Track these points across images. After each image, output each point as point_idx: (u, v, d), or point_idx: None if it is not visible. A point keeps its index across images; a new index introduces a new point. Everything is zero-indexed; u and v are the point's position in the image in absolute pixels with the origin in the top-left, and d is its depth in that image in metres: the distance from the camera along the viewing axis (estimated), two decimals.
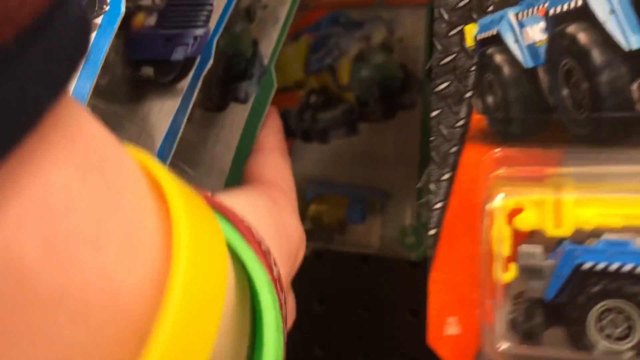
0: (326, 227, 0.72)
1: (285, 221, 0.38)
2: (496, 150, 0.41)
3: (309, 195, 0.72)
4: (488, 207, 0.38)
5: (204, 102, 0.51)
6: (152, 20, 0.44)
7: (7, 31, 0.15)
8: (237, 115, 0.48)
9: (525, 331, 0.35)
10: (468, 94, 0.42)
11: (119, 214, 0.18)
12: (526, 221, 0.38)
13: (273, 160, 0.45)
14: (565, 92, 0.40)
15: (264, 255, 0.29)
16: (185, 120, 0.41)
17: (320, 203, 0.72)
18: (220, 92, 0.51)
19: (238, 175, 0.47)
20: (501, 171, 0.39)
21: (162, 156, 0.40)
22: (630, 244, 0.34)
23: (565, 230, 0.37)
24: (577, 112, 0.40)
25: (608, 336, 0.34)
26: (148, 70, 0.43)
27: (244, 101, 0.48)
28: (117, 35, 0.41)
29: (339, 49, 0.75)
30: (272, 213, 0.37)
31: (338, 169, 0.75)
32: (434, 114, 0.42)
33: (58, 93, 0.16)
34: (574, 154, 0.40)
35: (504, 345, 0.37)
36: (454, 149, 0.42)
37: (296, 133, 0.77)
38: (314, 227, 0.71)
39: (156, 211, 0.20)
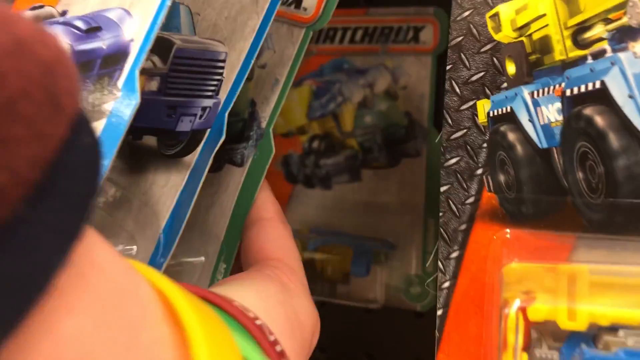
0: (329, 279, 0.70)
1: (297, 308, 0.36)
2: (507, 230, 0.40)
3: (312, 245, 0.71)
4: (506, 311, 0.37)
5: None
6: (153, 85, 0.42)
7: (15, 194, 0.14)
8: (232, 178, 0.46)
9: None
10: (479, 171, 0.41)
11: (136, 353, 0.17)
12: (539, 312, 0.37)
13: (275, 231, 0.42)
14: (580, 175, 0.39)
15: (279, 357, 0.28)
16: (195, 197, 0.40)
17: (323, 253, 0.71)
18: (216, 152, 0.50)
19: (233, 242, 0.45)
20: (514, 264, 0.38)
21: (168, 234, 0.38)
22: None
23: (579, 324, 0.36)
24: (592, 196, 0.38)
25: None
26: (150, 140, 0.42)
27: (240, 164, 0.46)
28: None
29: (343, 96, 0.75)
30: (283, 304, 0.35)
31: (340, 216, 0.74)
32: (443, 188, 0.41)
33: (70, 247, 0.15)
34: (587, 240, 0.38)
35: None
36: (463, 227, 0.41)
37: (298, 178, 0.76)
38: (317, 279, 0.70)
39: (173, 341, 0.19)
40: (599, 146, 0.37)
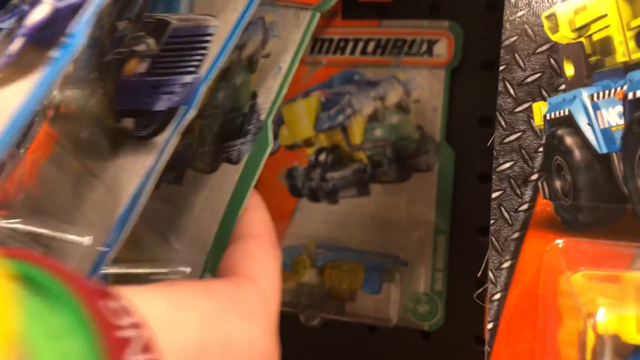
0: (337, 296, 0.68)
1: (236, 335, 0.30)
2: (563, 240, 0.38)
3: (321, 260, 0.68)
4: (565, 324, 0.35)
5: (196, 162, 0.46)
6: (143, 66, 0.39)
7: None
8: (226, 178, 0.42)
9: None
10: (534, 177, 0.39)
11: None
12: (603, 325, 0.35)
13: (259, 251, 0.37)
14: None
15: (121, 345, 0.22)
16: (153, 181, 0.35)
17: (333, 269, 0.68)
18: (214, 151, 0.46)
19: (220, 250, 0.40)
20: (570, 274, 0.36)
21: (122, 221, 0.34)
22: None
23: None
24: None
25: None
26: (128, 122, 0.39)
27: (236, 162, 0.43)
28: (106, 86, 0.37)
29: (352, 108, 0.73)
30: (209, 324, 0.28)
31: (347, 232, 0.71)
32: (495, 194, 0.39)
33: None
34: None
35: None
36: (516, 235, 0.39)
37: (303, 192, 0.73)
38: (325, 296, 0.67)
39: None
40: None
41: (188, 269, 0.42)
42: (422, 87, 0.71)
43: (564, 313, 0.36)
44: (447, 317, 0.66)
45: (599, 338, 0.34)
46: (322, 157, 0.74)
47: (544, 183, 0.38)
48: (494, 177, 0.39)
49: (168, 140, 0.36)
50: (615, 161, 0.37)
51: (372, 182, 0.71)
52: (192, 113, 0.37)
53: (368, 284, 0.67)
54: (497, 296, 0.39)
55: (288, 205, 0.73)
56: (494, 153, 0.39)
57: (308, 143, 0.74)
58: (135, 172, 0.36)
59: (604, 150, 0.38)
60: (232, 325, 0.30)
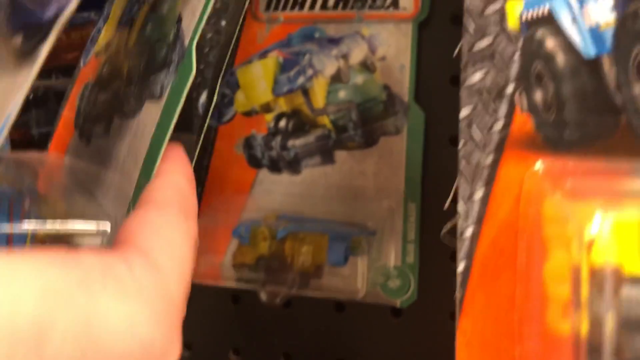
0: (301, 270, 0.62)
1: (103, 317, 0.23)
2: (546, 161, 0.32)
3: (281, 233, 0.62)
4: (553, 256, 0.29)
5: (122, 106, 0.40)
6: None
7: None
8: (149, 117, 0.36)
9: None
10: (510, 88, 0.32)
11: None
12: (601, 254, 0.28)
13: (161, 220, 0.30)
14: (637, 89, 0.31)
15: None
16: (22, 97, 0.30)
17: (295, 242, 0.62)
18: (138, 89, 0.40)
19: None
20: (557, 199, 0.30)
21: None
22: None
23: None
24: None
25: None
26: (17, 39, 0.32)
27: (158, 96, 0.37)
28: None
29: (314, 68, 0.67)
30: (59, 296, 0.22)
31: (312, 204, 0.65)
32: (463, 113, 0.33)
33: None
34: None
35: None
36: (489, 159, 0.33)
37: (262, 162, 0.67)
38: (287, 271, 0.61)
39: None
40: None
41: (107, 225, 0.35)
42: (388, 43, 0.65)
43: (550, 244, 0.30)
44: (420, 293, 0.60)
45: (596, 269, 0.28)
46: (283, 123, 0.68)
47: (522, 95, 0.32)
48: (462, 91, 0.33)
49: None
50: (606, 65, 0.31)
51: (337, 148, 0.66)
52: (70, 7, 0.31)
53: (333, 256, 0.61)
54: (469, 232, 0.32)
55: (247, 177, 0.67)
56: (461, 64, 0.33)
57: (266, 108, 0.68)
58: (9, 91, 0.30)
59: (592, 52, 0.32)
60: (97, 303, 0.23)
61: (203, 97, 0.47)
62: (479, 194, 0.32)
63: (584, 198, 0.29)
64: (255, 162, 0.68)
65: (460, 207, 0.33)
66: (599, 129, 0.31)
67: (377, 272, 0.61)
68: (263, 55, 0.68)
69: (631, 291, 0.27)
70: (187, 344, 0.69)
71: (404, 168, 0.63)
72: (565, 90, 0.32)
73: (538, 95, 0.32)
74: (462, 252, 0.32)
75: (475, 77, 0.33)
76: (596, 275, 0.27)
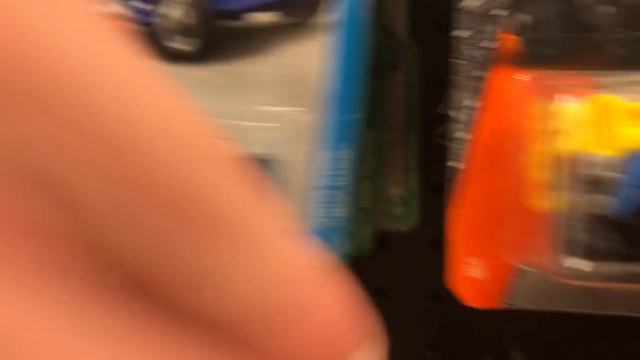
0: None
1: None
2: (529, 74, 0.37)
3: None
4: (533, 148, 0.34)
5: None
6: None
7: None
8: None
9: (586, 249, 0.31)
10: (499, 12, 0.37)
11: None
12: (570, 143, 0.34)
13: None
14: (606, 8, 0.36)
15: None
16: None
17: None
18: None
19: None
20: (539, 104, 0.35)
21: None
22: None
23: (615, 150, 0.33)
24: (619, 31, 0.36)
25: None
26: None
27: None
28: None
29: None
30: None
31: None
32: (457, 33, 0.38)
33: None
34: (614, 77, 0.36)
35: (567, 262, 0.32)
36: (478, 73, 0.38)
37: None
38: None
39: None
40: None
41: None
42: None
43: (532, 138, 0.35)
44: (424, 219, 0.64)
45: (568, 154, 0.33)
46: None
47: (509, 18, 0.37)
48: (456, 14, 0.38)
49: None
50: None
51: None
52: None
53: None
54: (460, 134, 0.37)
55: None
56: None
57: None
58: None
59: None
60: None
61: None
62: (469, 102, 0.37)
63: (559, 98, 0.35)
64: None
65: (452, 113, 0.38)
66: (574, 45, 0.37)
67: (382, 200, 0.65)
68: None
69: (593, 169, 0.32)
70: None
71: (403, 103, 0.67)
72: (547, 12, 0.37)
73: (523, 17, 0.37)
74: (454, 152, 0.37)
75: (469, 1, 0.38)
76: (567, 160, 0.33)
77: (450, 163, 0.38)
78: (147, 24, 0.46)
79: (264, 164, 0.42)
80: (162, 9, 0.46)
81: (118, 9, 0.46)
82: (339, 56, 0.41)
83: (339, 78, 0.42)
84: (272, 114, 0.43)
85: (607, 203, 0.31)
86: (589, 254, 0.31)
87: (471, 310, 0.61)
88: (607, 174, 0.31)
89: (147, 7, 0.46)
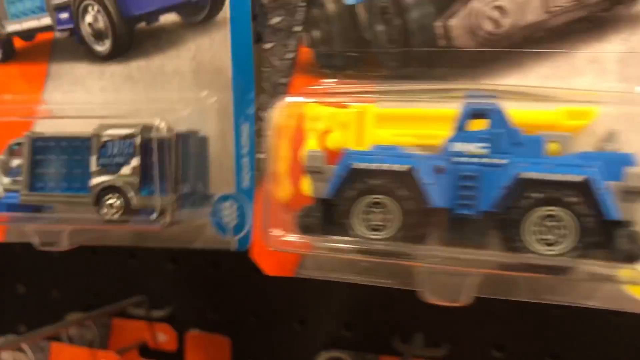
0: None
1: None
2: (317, 81, 0.44)
3: None
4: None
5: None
6: None
7: None
8: None
9: (306, 225, 0.39)
10: (297, 28, 0.45)
11: None
12: (334, 140, 0.41)
13: None
14: (380, 27, 0.43)
15: None
16: None
17: None
18: None
19: None
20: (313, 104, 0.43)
21: None
22: (397, 149, 0.38)
23: (365, 148, 0.40)
24: (390, 46, 0.43)
25: (369, 227, 0.37)
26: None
27: None
28: None
29: None
30: None
31: None
32: (267, 46, 0.46)
33: None
34: (385, 85, 0.43)
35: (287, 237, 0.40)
36: (284, 80, 0.45)
37: None
38: None
39: None
40: (396, 0, 0.42)
41: None
42: None
43: (307, 134, 0.43)
44: None
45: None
46: None
47: (305, 33, 0.45)
48: (266, 31, 0.46)
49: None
50: (360, 11, 0.44)
51: None
52: None
53: None
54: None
55: None
56: (265, 11, 0.46)
57: None
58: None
59: (352, 1, 0.44)
60: None
61: None
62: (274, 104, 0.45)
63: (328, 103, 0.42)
64: None
65: (262, 115, 0.46)
66: (356, 58, 0.44)
67: None
68: None
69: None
70: None
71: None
72: (333, 30, 0.44)
73: (316, 34, 0.45)
74: (262, 145, 0.45)
75: (275, 20, 0.45)
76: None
77: (258, 155, 0.45)
78: (74, 31, 0.55)
79: (185, 139, 0.50)
80: (82, 18, 0.55)
81: (48, 21, 0.56)
82: (235, 46, 0.50)
83: (236, 64, 0.49)
84: (190, 98, 0.51)
85: (322, 188, 0.38)
86: (304, 229, 0.39)
87: (384, 295, 0.67)
88: (325, 166, 0.39)
89: (71, 17, 0.55)
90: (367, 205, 0.37)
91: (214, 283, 0.77)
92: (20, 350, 0.72)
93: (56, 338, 0.78)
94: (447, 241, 0.36)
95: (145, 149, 0.47)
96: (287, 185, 0.42)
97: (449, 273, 0.35)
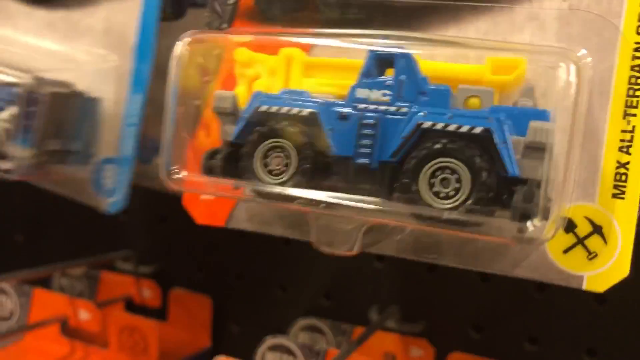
0: None
1: None
2: (256, 28, 0.43)
3: None
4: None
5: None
6: None
7: None
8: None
9: (209, 167, 0.38)
10: None
11: None
12: (261, 87, 0.40)
13: None
14: None
15: None
16: None
17: None
18: None
19: None
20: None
21: None
22: (305, 94, 0.36)
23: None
24: None
25: (269, 171, 0.36)
26: None
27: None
28: None
29: None
30: None
31: None
32: None
33: None
34: (321, 33, 0.42)
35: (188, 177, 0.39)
36: (224, 26, 0.44)
37: None
38: None
39: None
40: None
41: None
42: None
43: (237, 79, 0.42)
44: None
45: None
46: None
47: None
48: None
49: None
50: None
51: None
52: None
53: None
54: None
55: None
56: None
57: None
58: None
59: None
60: None
61: None
62: (216, 51, 0.44)
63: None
64: None
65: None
66: (295, 4, 0.43)
67: None
68: None
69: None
70: None
71: None
72: None
73: None
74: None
75: None
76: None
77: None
78: None
79: (84, 100, 0.50)
80: None
81: None
82: (142, 13, 0.49)
83: (141, 32, 0.49)
84: (96, 57, 0.51)
85: (230, 131, 0.37)
86: (207, 171, 0.38)
87: (367, 267, 0.67)
88: (238, 108, 0.38)
89: None
90: (268, 149, 0.36)
91: (201, 244, 0.78)
92: (4, 292, 0.74)
93: (49, 286, 0.80)
94: (345, 190, 0.34)
95: (28, 100, 0.47)
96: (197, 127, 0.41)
97: (340, 221, 0.34)
